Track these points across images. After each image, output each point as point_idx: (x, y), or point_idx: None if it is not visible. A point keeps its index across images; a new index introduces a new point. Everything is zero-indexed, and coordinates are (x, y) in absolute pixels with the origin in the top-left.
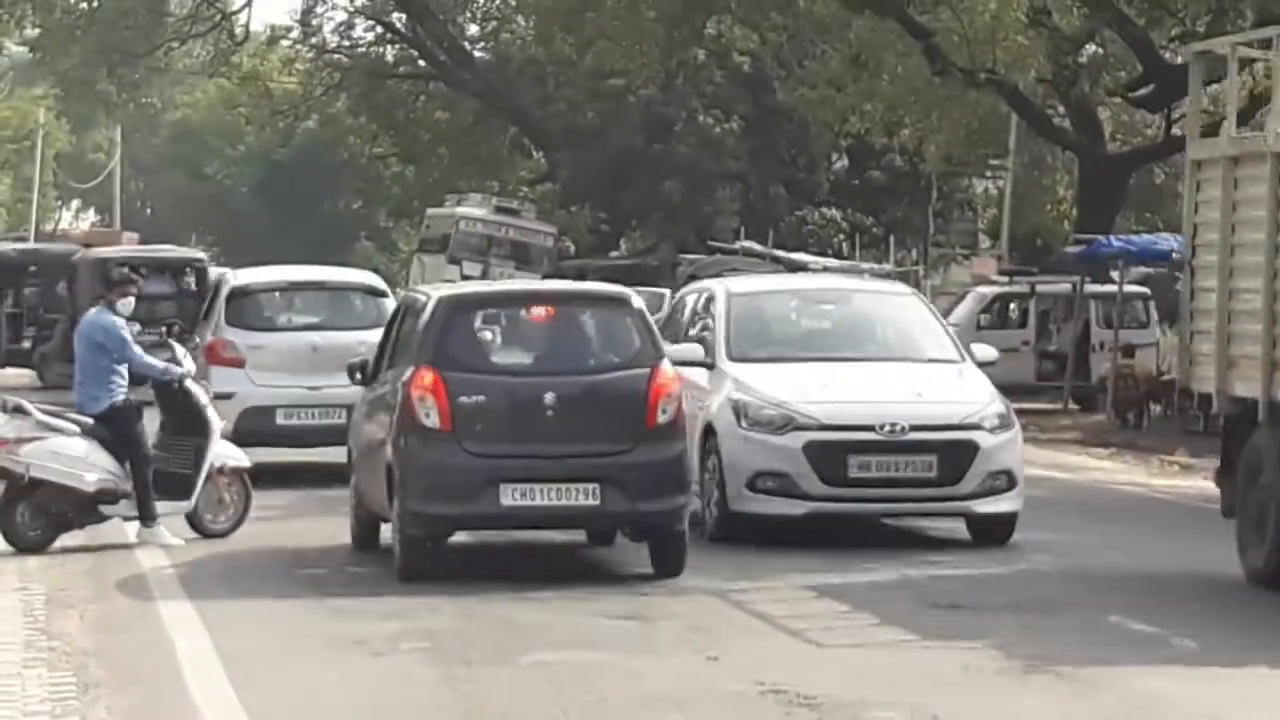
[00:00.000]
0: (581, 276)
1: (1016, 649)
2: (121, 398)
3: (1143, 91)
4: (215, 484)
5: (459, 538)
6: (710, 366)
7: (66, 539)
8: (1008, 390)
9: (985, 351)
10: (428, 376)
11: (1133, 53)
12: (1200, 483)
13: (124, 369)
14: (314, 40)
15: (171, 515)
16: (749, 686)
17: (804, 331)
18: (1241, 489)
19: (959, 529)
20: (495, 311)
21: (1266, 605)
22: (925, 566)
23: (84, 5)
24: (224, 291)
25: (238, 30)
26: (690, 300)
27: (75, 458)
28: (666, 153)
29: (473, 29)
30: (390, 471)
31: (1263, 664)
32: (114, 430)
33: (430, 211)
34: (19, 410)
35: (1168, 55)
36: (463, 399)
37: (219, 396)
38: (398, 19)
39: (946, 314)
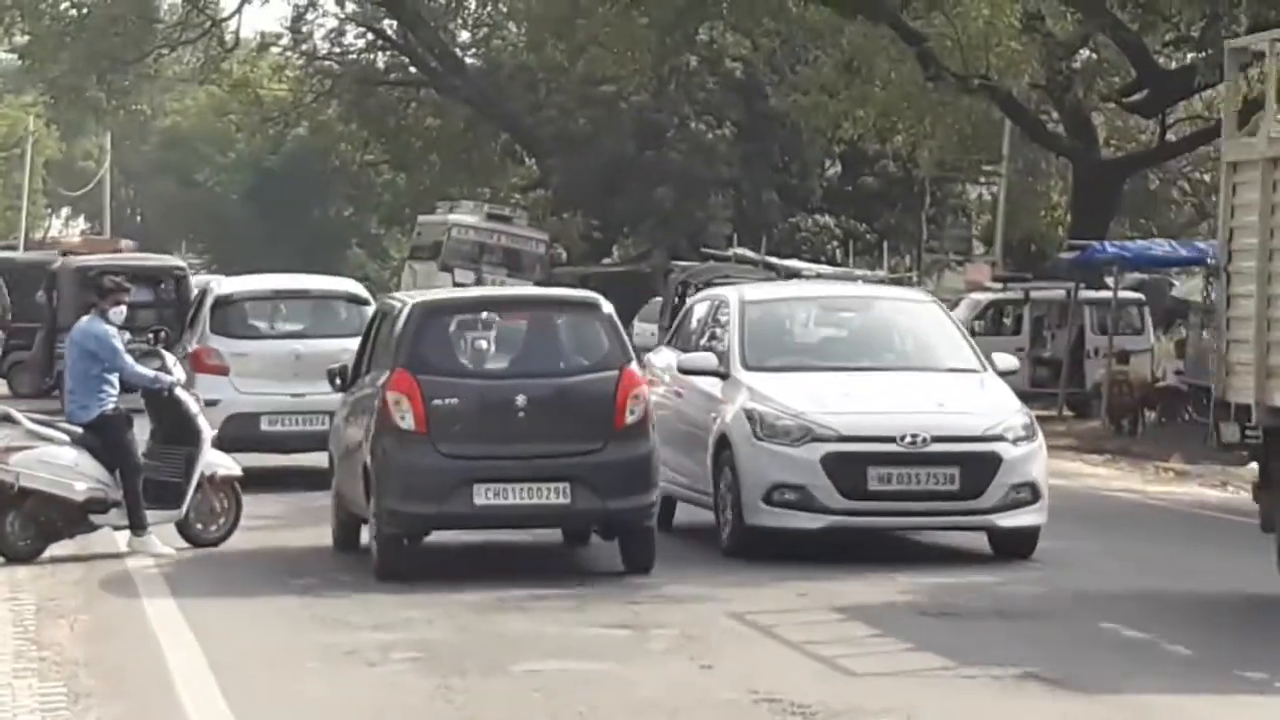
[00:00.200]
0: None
1: (1009, 656)
2: (111, 406)
3: (1136, 97)
4: (206, 493)
5: (453, 544)
6: (724, 376)
7: (56, 548)
8: None
9: (1006, 361)
10: (403, 380)
11: (1126, 58)
12: (1195, 489)
13: (115, 378)
14: (304, 47)
15: (162, 524)
16: (742, 695)
17: (821, 340)
18: None
19: (971, 541)
20: (469, 317)
21: (1259, 613)
22: (918, 574)
23: (73, 12)
24: (208, 300)
25: (228, 37)
26: (700, 308)
27: (65, 467)
28: (659, 159)
29: (464, 35)
30: (368, 473)
31: (1255, 671)
32: (104, 439)
33: (422, 219)
34: (8, 419)
35: (1161, 61)
36: (437, 402)
37: (204, 403)
38: (388, 26)
39: None
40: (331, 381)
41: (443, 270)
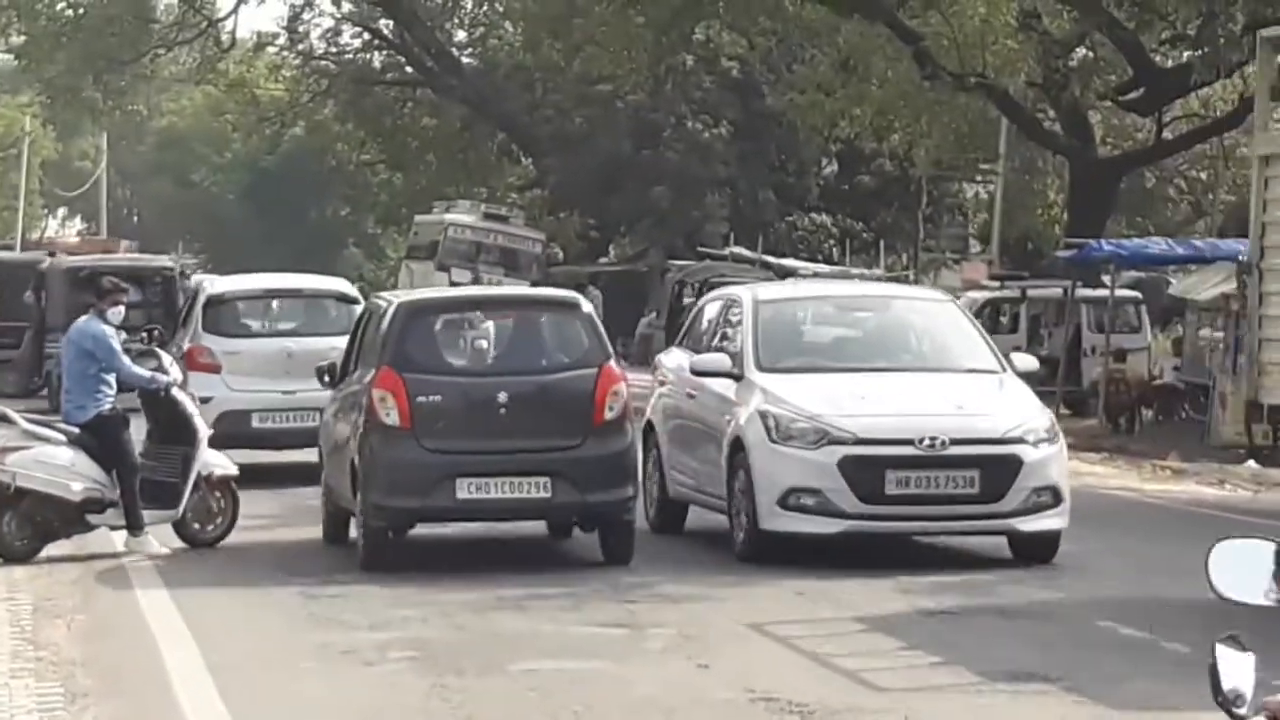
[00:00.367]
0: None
1: (1007, 655)
2: (108, 406)
3: (1133, 95)
4: (203, 492)
5: (450, 543)
6: (738, 377)
7: (53, 548)
8: None
9: (1026, 361)
10: (388, 378)
11: (1123, 56)
12: (1193, 487)
13: (111, 378)
14: (301, 47)
15: (159, 524)
16: (739, 694)
17: (837, 340)
18: None
19: (972, 542)
20: (453, 316)
21: (1258, 612)
22: (916, 573)
23: (69, 12)
24: (201, 299)
25: (224, 37)
26: (712, 308)
27: (61, 467)
28: (655, 158)
29: (460, 35)
30: (354, 468)
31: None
32: (100, 439)
33: (418, 218)
34: (4, 419)
35: (1158, 59)
36: (421, 398)
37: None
38: (385, 25)
39: None
40: (320, 379)
41: (439, 270)
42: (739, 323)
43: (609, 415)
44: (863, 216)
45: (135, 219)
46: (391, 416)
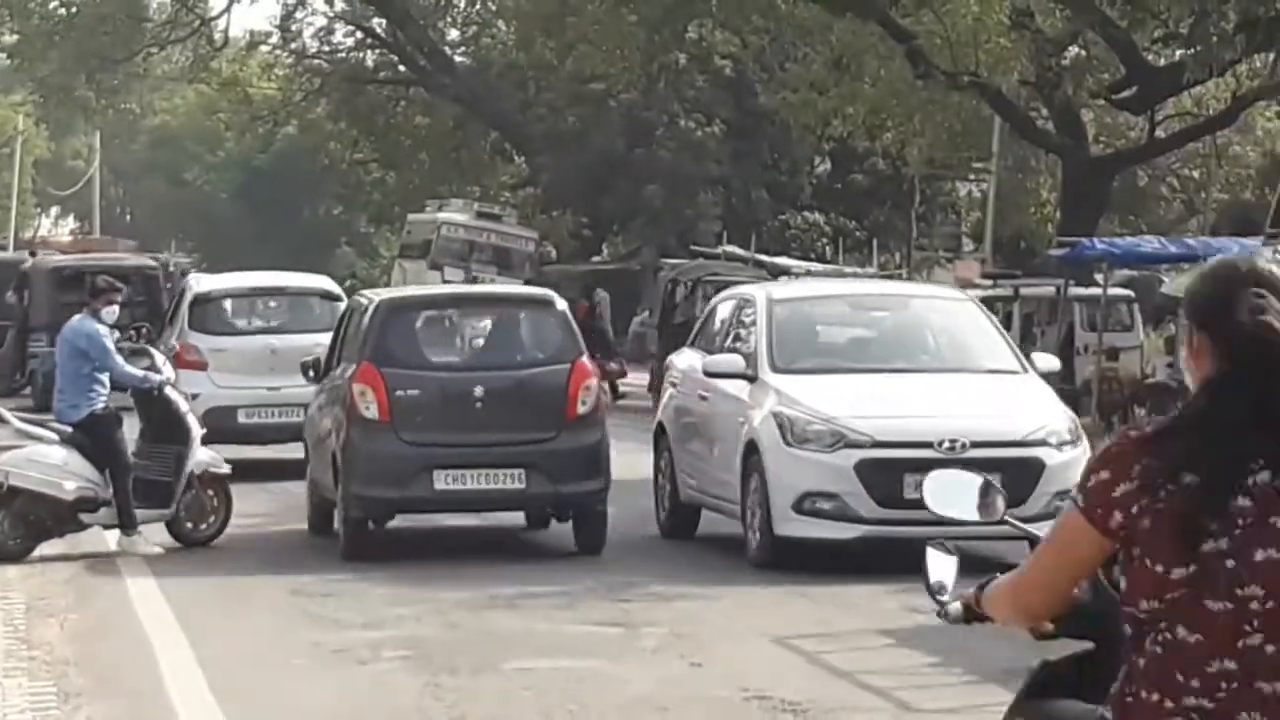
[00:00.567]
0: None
1: (997, 652)
2: (101, 406)
3: (1126, 94)
4: (195, 491)
5: (443, 543)
6: (751, 379)
7: (46, 547)
8: None
9: (1047, 361)
10: (368, 373)
11: (1115, 55)
12: None
13: (105, 377)
14: (293, 45)
15: (152, 523)
16: (733, 692)
17: (853, 340)
18: None
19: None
20: (432, 314)
21: None
22: (910, 572)
23: (62, 11)
24: (187, 297)
25: (217, 36)
26: (725, 308)
27: (54, 466)
28: (648, 157)
29: (453, 34)
30: (335, 459)
31: None
32: (94, 438)
33: (411, 217)
34: None
35: (1150, 57)
36: (399, 393)
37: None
38: (378, 24)
39: None
40: (305, 373)
41: (432, 269)
42: (753, 323)
43: (581, 409)
44: (856, 215)
45: (128, 218)
46: (371, 410)
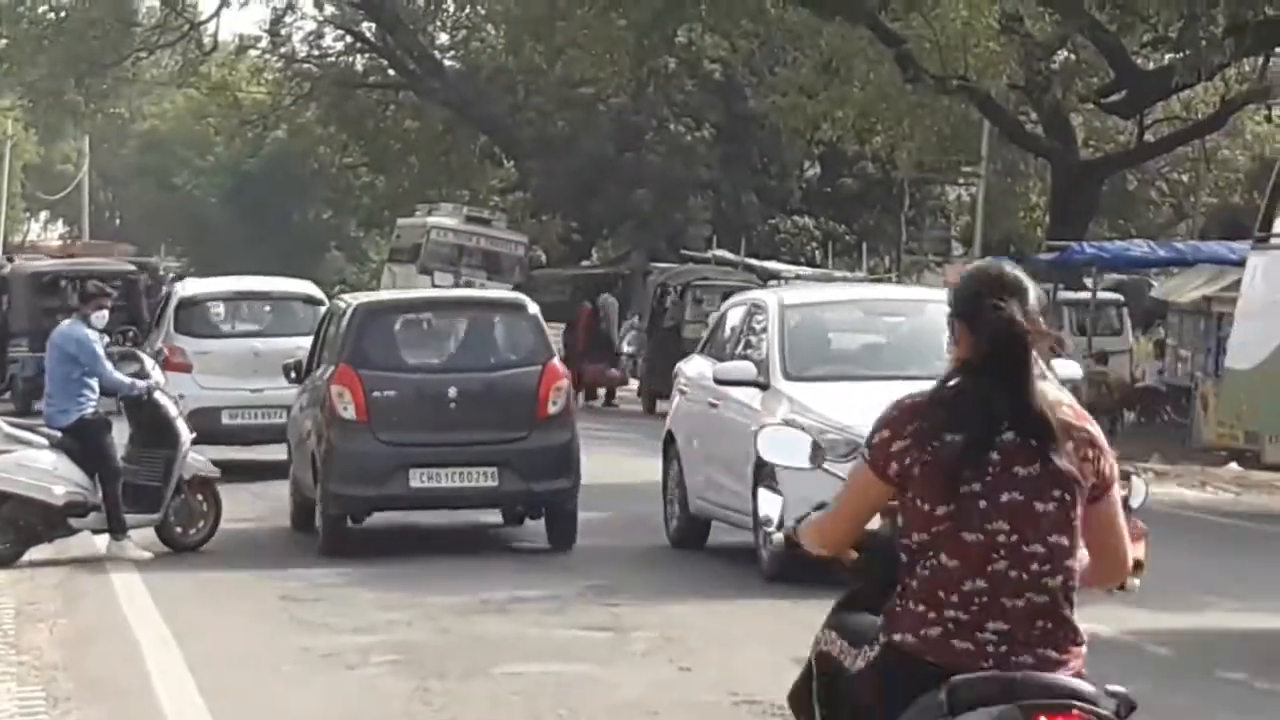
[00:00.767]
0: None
1: None
2: (91, 410)
3: (1115, 98)
4: (185, 496)
5: (435, 546)
6: (764, 386)
7: (35, 552)
8: None
9: (1069, 368)
10: (345, 375)
11: (1104, 59)
12: (1174, 489)
13: (94, 382)
14: (283, 50)
15: (141, 528)
16: (722, 697)
17: (867, 347)
18: None
19: None
20: (409, 317)
21: (1239, 614)
22: None
23: (51, 15)
24: (173, 302)
25: (206, 40)
26: (735, 314)
27: (44, 470)
28: (637, 161)
29: (442, 38)
30: (314, 458)
31: (1235, 672)
32: (83, 443)
33: (401, 221)
34: None
35: (1139, 61)
36: (376, 394)
37: None
38: (367, 28)
39: None
40: (286, 375)
41: (422, 273)
42: (764, 329)
43: (552, 410)
44: (845, 219)
45: (117, 222)
46: (348, 411)
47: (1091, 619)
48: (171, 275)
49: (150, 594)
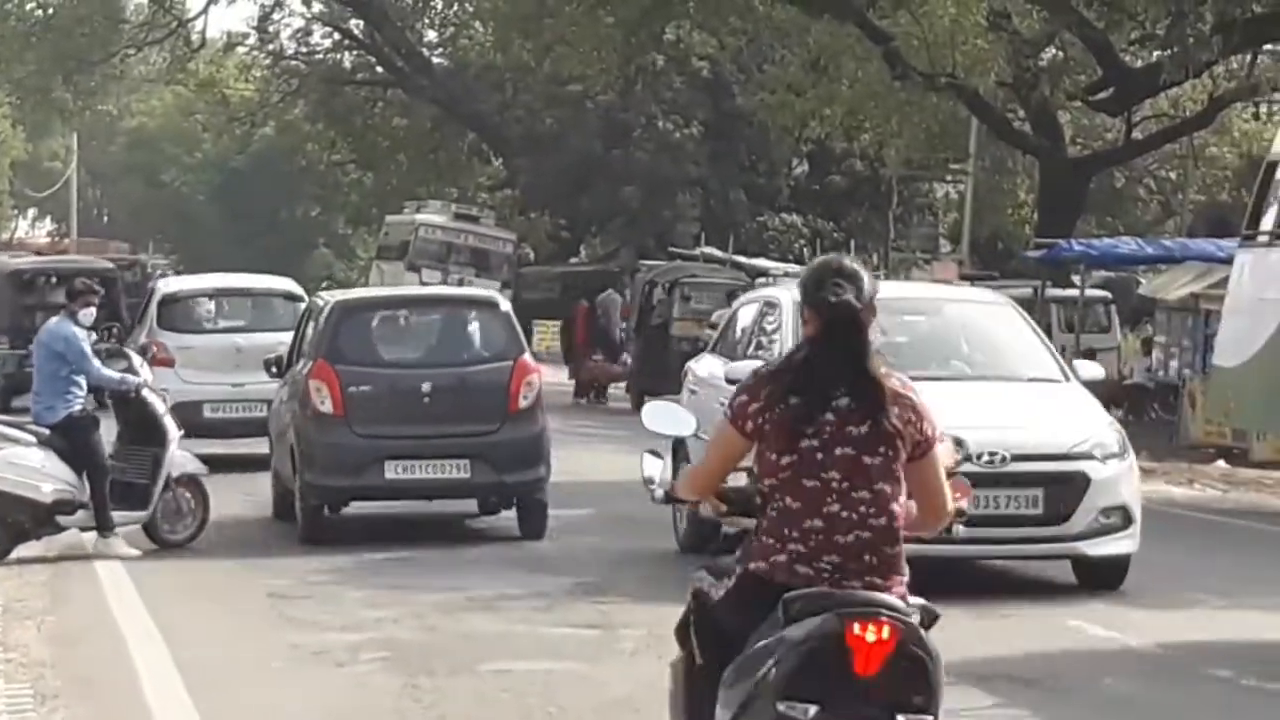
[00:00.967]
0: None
1: (976, 653)
2: (79, 408)
3: (1103, 95)
4: (173, 493)
5: (424, 545)
6: None
7: (23, 550)
8: None
9: (1091, 369)
10: (322, 370)
11: (1093, 56)
12: (1162, 486)
13: (82, 379)
14: (271, 47)
15: (129, 525)
16: None
17: (884, 346)
18: None
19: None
20: (385, 314)
21: (1228, 610)
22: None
23: (39, 12)
24: (156, 298)
25: (194, 37)
26: (747, 312)
27: (31, 468)
28: (626, 158)
29: (431, 35)
30: (293, 451)
31: (1222, 669)
32: (71, 441)
33: (389, 218)
34: None
35: (1127, 59)
36: (352, 389)
37: None
38: (355, 25)
39: None
40: (267, 370)
41: (410, 270)
42: (777, 328)
43: (523, 404)
44: (833, 216)
45: (105, 219)
46: (326, 404)
47: (1081, 617)
48: (159, 272)
49: (138, 591)
